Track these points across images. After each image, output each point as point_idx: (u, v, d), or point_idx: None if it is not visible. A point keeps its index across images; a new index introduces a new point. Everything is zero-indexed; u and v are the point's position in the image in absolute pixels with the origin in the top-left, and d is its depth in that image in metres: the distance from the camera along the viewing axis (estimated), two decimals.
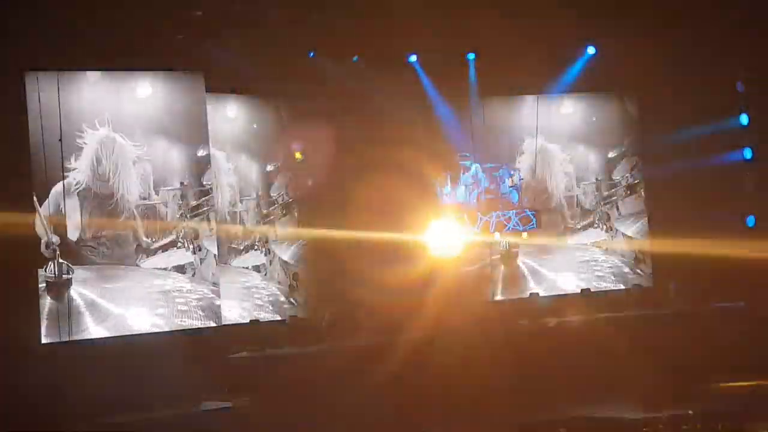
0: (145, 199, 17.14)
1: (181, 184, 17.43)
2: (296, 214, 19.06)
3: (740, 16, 17.89)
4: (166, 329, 16.90)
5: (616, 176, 20.87)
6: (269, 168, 18.89)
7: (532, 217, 18.25)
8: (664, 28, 18.45)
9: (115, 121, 16.90)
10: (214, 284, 17.47)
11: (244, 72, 17.51)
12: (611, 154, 20.77)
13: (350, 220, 18.31)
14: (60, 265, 16.17)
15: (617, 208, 20.86)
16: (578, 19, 18.22)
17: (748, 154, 19.62)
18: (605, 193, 20.77)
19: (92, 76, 16.76)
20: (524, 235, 18.61)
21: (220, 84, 17.78)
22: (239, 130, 18.63)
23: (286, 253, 19.01)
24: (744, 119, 19.53)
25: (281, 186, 19.05)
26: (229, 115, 18.44)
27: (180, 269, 17.32)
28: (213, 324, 17.34)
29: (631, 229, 20.81)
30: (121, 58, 16.49)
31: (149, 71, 17.13)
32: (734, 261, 18.52)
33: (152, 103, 17.28)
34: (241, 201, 18.54)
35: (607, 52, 19.38)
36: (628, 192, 20.82)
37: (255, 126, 18.88)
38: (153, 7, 16.09)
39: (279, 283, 18.84)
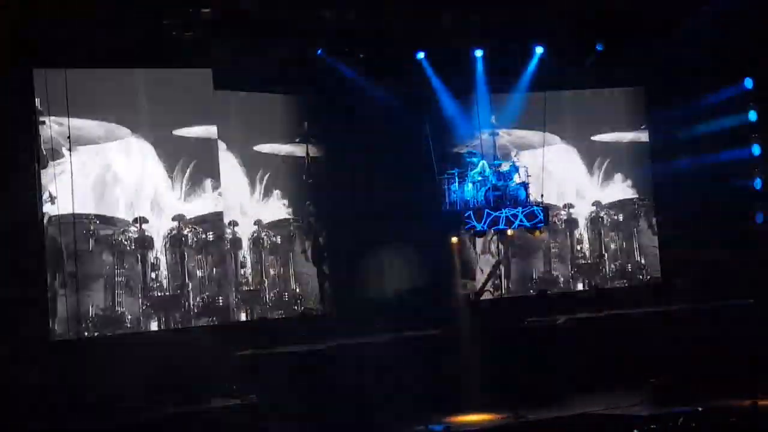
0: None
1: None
2: (311, 208, 19.24)
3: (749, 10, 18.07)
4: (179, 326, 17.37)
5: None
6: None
7: (539, 213, 18.28)
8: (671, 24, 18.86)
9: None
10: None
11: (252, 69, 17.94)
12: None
13: (360, 217, 18.70)
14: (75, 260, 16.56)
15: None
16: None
17: (756, 150, 19.55)
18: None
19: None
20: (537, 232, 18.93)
21: (229, 81, 18.04)
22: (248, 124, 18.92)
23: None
24: (752, 115, 19.51)
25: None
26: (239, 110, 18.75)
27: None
28: (224, 321, 17.87)
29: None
30: (129, 55, 16.88)
31: (157, 69, 17.50)
32: (742, 258, 18.79)
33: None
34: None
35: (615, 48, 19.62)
36: None
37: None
38: (162, 4, 16.56)
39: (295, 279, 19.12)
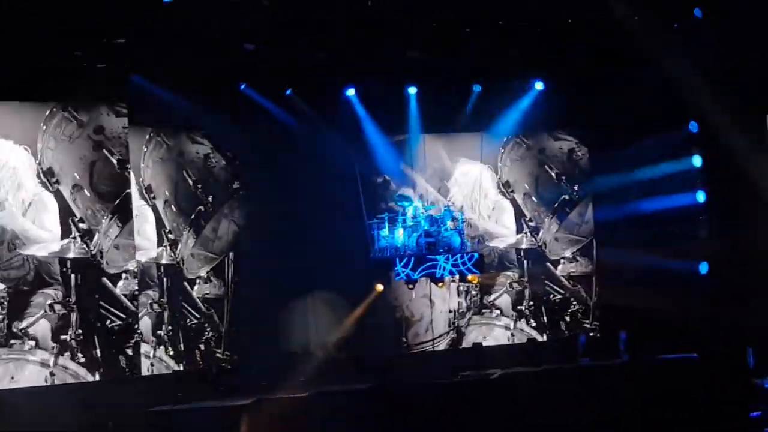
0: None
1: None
2: (232, 256, 18.89)
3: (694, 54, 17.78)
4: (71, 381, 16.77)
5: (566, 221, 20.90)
6: (200, 208, 18.83)
7: (474, 261, 18.35)
8: (616, 65, 18.68)
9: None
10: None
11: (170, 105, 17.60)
12: (562, 197, 20.77)
13: (282, 263, 18.37)
14: None
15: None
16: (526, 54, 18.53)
17: (701, 197, 19.42)
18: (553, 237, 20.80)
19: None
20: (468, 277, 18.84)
21: (145, 117, 17.87)
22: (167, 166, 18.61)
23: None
24: (697, 161, 19.42)
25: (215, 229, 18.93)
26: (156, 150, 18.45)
27: None
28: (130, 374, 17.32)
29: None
30: (38, 89, 16.61)
31: (68, 102, 17.05)
32: (686, 310, 18.52)
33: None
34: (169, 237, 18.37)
35: (556, 89, 19.70)
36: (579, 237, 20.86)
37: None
38: (72, 33, 15.84)
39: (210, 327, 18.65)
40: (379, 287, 18.57)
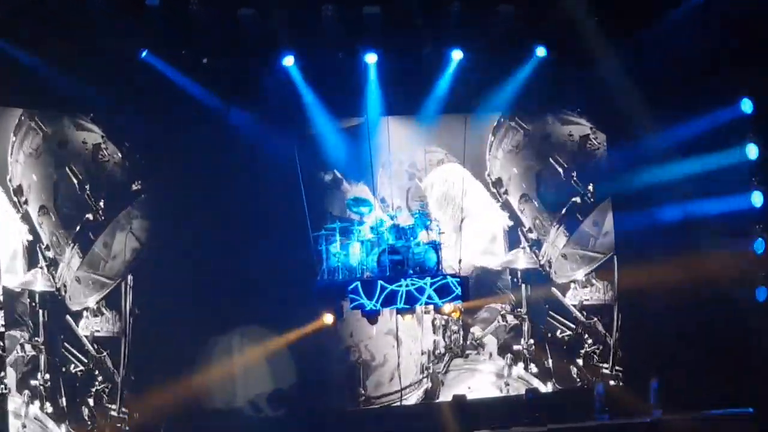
0: None
1: None
2: (131, 280, 16.87)
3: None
4: None
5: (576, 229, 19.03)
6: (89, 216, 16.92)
7: (456, 285, 15.48)
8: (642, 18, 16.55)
9: None
10: None
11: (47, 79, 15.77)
12: (572, 200, 18.68)
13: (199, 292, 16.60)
14: None
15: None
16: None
17: (757, 199, 17.18)
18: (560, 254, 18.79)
19: None
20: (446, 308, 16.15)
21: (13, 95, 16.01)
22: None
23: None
24: (752, 151, 17.23)
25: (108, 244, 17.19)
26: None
27: None
28: None
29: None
30: None
31: None
32: (739, 350, 17.04)
33: None
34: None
35: (563, 56, 17.49)
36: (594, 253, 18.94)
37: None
38: None
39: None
40: (328, 318, 16.23)
